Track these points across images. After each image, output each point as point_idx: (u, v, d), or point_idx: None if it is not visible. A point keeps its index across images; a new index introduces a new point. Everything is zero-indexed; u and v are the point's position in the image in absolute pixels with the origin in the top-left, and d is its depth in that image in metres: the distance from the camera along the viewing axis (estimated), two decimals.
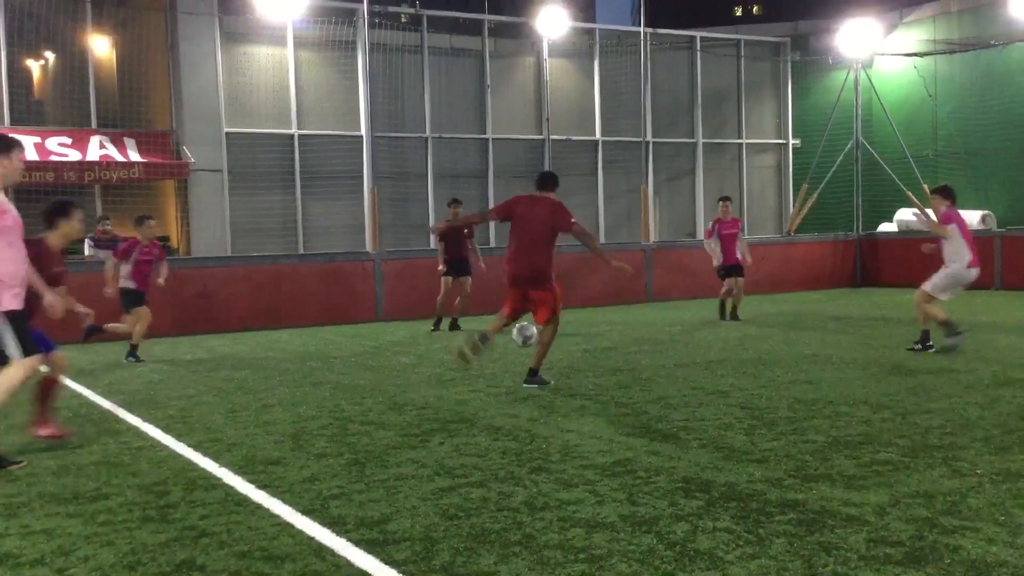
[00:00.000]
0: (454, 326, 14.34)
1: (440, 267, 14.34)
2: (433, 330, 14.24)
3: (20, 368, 6.06)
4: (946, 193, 10.60)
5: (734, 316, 14.48)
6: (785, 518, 4.59)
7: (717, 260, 14.50)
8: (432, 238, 15.21)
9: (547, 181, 9.02)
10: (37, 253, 6.66)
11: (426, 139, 19.45)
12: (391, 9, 20.30)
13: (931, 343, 10.23)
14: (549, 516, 4.76)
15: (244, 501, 5.22)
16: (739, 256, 14.42)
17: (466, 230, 14.14)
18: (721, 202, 14.75)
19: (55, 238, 7.22)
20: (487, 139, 20.04)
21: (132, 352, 11.86)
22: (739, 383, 8.62)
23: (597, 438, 6.52)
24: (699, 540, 4.33)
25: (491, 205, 19.72)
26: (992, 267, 19.00)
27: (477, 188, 20.06)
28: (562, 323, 9.14)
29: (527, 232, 8.68)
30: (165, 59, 17.98)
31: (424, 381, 9.48)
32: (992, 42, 20.19)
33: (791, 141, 23.13)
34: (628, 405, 7.72)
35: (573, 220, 8.67)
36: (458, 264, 14.34)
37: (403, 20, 20.49)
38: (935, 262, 10.49)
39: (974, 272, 10.20)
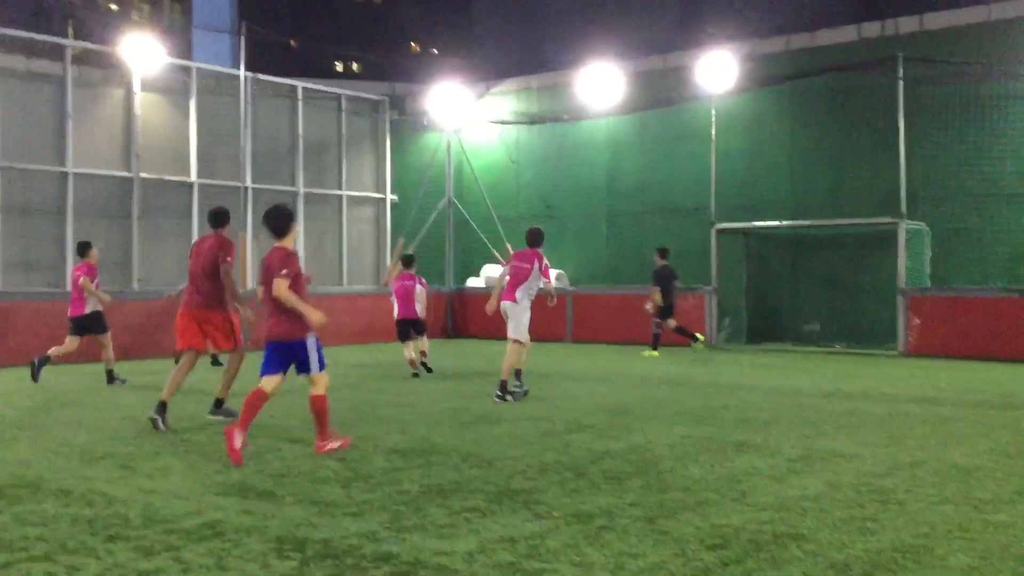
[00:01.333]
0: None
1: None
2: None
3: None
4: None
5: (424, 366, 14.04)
6: (379, 572, 4.57)
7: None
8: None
9: (215, 218, 9.73)
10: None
11: None
12: None
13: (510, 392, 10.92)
14: None
15: None
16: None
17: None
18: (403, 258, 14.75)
19: (291, 243, 7.72)
20: (67, 172, 18.39)
21: None
22: (336, 435, 8.55)
23: (184, 499, 6.10)
24: None
25: (70, 243, 18.12)
26: (564, 322, 20.89)
27: (54, 225, 18.29)
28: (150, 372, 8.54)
29: (196, 265, 9.46)
30: None
31: None
32: (564, 116, 22.39)
33: (389, 196, 23.84)
34: (219, 460, 7.34)
35: (229, 259, 9.37)
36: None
37: None
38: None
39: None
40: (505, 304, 11.14)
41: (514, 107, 23.61)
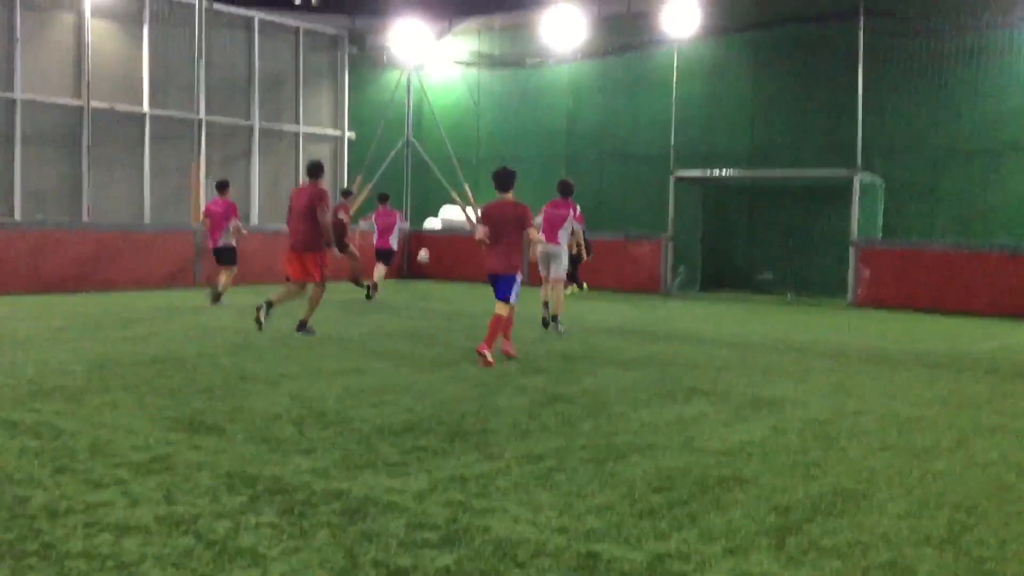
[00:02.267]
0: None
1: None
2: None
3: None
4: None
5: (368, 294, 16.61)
6: (329, 509, 4.60)
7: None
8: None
9: (312, 170, 11.47)
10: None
11: None
12: None
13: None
14: (73, 521, 4.31)
15: None
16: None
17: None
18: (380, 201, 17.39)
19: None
20: (15, 99, 17.89)
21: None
22: (289, 372, 8.55)
23: (133, 433, 6.07)
24: (241, 537, 4.17)
25: (18, 172, 17.80)
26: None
27: (2, 152, 17.84)
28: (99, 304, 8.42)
29: (295, 211, 11.17)
30: None
31: None
32: (528, 61, 22.18)
33: (347, 133, 23.53)
34: (170, 396, 7.30)
35: (324, 206, 11.06)
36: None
37: None
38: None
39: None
40: (550, 247, 12.14)
41: (476, 47, 23.33)
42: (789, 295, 18.53)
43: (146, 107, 19.76)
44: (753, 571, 3.93)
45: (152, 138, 19.83)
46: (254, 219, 21.53)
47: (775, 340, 12.00)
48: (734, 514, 4.68)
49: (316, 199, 11.08)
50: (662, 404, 7.47)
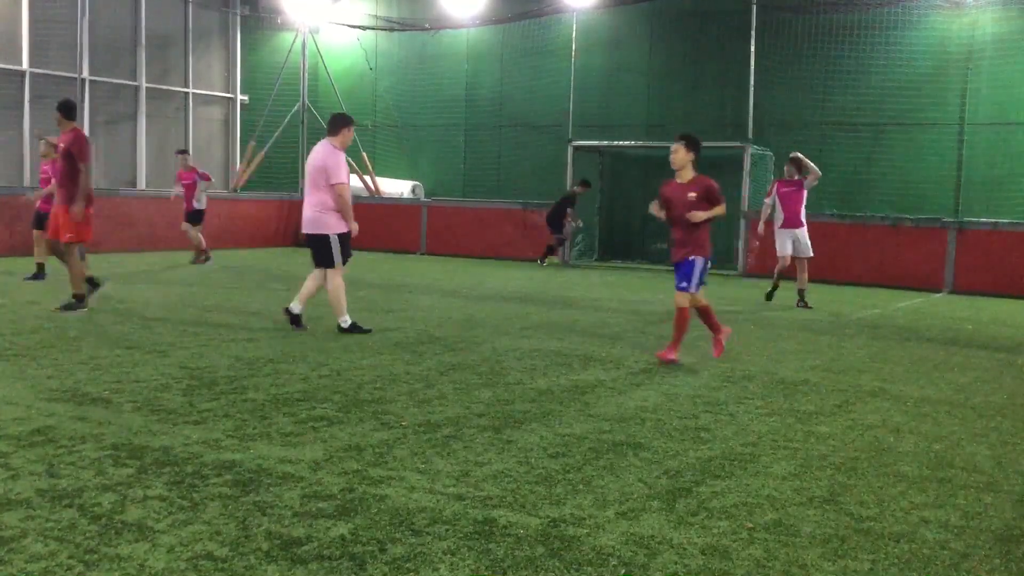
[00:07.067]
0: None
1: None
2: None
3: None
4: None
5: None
6: (221, 480, 4.51)
7: None
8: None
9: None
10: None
11: None
12: None
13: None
14: None
15: None
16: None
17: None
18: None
19: None
20: None
21: None
22: (179, 341, 8.33)
23: (12, 404, 5.83)
24: (128, 511, 4.06)
25: None
26: (419, 234, 20.80)
27: None
28: None
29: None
30: None
31: None
32: (426, 25, 21.91)
33: (239, 96, 22.88)
34: (51, 366, 7.03)
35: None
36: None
37: None
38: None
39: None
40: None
41: (373, 10, 22.91)
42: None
43: (26, 65, 18.81)
44: (644, 533, 4.01)
45: (32, 97, 18.92)
46: (141, 183, 20.79)
47: (668, 309, 12.22)
48: (627, 478, 4.77)
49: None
50: (559, 372, 7.55)
